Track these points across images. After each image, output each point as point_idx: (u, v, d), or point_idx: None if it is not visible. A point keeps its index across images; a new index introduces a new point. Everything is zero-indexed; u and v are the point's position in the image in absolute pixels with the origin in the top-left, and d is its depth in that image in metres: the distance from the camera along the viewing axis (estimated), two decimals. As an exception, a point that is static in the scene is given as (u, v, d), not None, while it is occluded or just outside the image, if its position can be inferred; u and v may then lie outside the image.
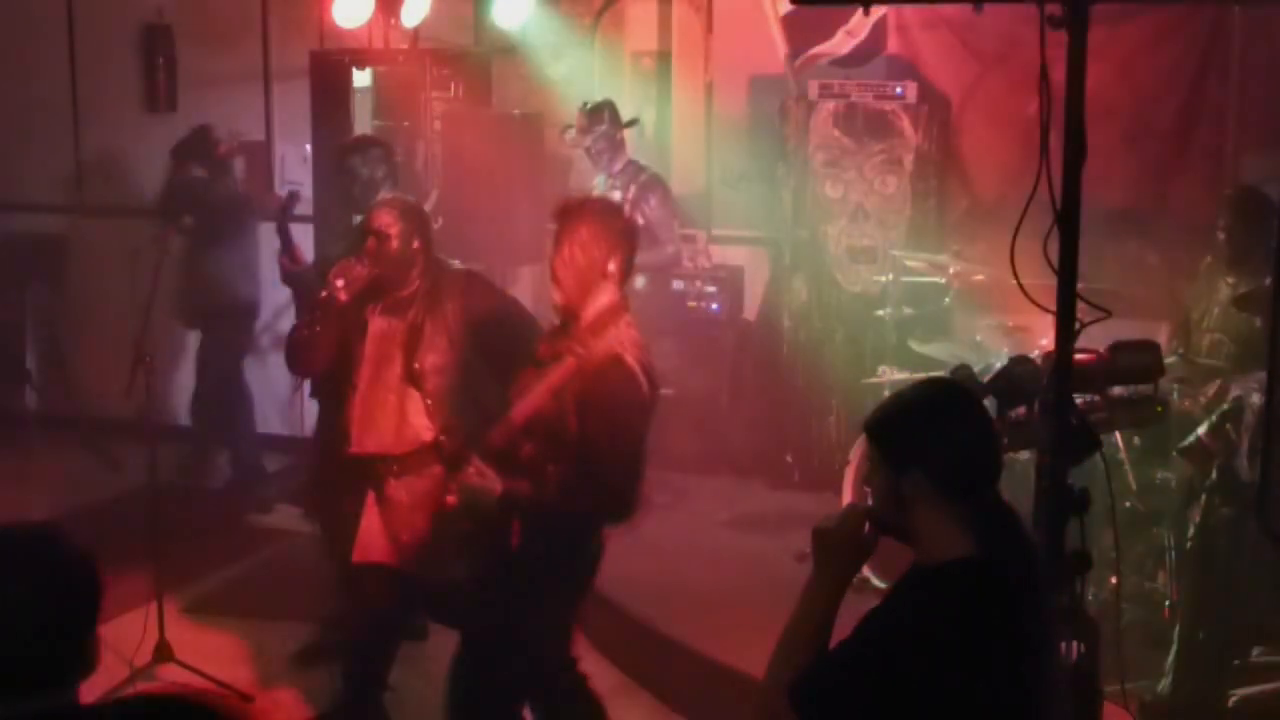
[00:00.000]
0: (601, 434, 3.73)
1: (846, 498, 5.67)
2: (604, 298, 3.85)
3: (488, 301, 4.65)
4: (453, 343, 4.51)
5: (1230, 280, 5.54)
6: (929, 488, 2.48)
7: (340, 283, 4.47)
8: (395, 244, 4.52)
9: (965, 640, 2.40)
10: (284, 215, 5.88)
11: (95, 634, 2.21)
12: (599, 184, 6.94)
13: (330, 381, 4.84)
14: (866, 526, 2.61)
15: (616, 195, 6.78)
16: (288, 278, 5.96)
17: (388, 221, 4.53)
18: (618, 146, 6.89)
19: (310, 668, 5.35)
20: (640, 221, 6.52)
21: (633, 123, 7.02)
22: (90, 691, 2.24)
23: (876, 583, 4.99)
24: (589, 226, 3.84)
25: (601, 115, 6.83)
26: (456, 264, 4.77)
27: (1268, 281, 5.31)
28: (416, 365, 4.49)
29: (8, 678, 2.13)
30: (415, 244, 4.56)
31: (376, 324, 4.57)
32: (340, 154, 5.88)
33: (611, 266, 3.84)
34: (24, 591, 2.13)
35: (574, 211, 3.90)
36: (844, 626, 2.56)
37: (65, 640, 2.16)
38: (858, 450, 5.73)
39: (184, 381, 7.77)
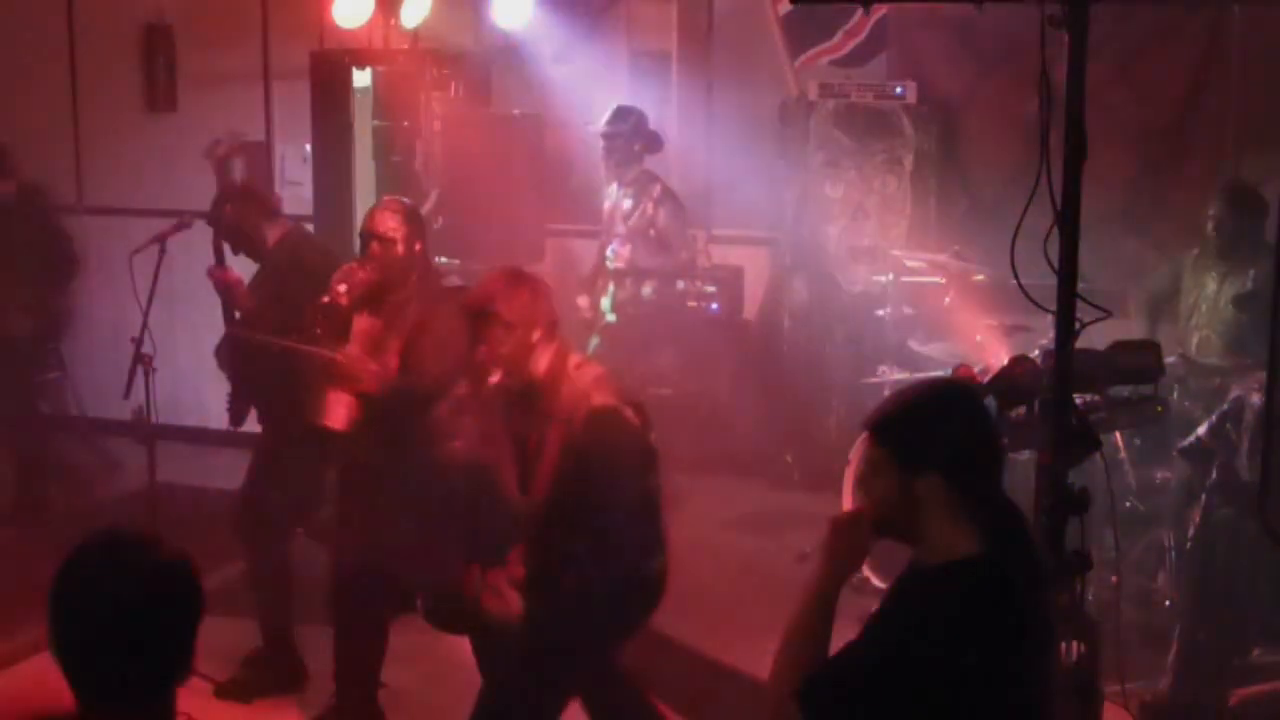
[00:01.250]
0: (606, 487, 3.65)
1: (846, 498, 5.67)
2: (545, 357, 3.76)
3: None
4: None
5: (1215, 275, 5.55)
6: (943, 488, 2.47)
7: (343, 288, 4.43)
8: (400, 248, 4.46)
9: (977, 639, 2.38)
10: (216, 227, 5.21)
11: (195, 641, 2.15)
12: (611, 192, 6.97)
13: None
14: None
15: (627, 203, 6.85)
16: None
17: (393, 226, 4.46)
18: (632, 156, 6.88)
19: None
20: (651, 233, 6.80)
21: (655, 142, 6.95)
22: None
23: (876, 583, 5.00)
24: (500, 311, 3.72)
25: (626, 118, 6.85)
26: (454, 277, 4.70)
27: (1252, 273, 5.34)
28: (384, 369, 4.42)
29: (112, 684, 2.08)
30: (417, 247, 4.52)
31: (360, 322, 4.50)
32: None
33: (535, 336, 3.74)
34: (133, 597, 2.08)
35: (482, 305, 3.76)
36: (843, 626, 2.55)
37: (169, 646, 2.11)
38: (857, 450, 5.73)
39: (183, 381, 7.74)
